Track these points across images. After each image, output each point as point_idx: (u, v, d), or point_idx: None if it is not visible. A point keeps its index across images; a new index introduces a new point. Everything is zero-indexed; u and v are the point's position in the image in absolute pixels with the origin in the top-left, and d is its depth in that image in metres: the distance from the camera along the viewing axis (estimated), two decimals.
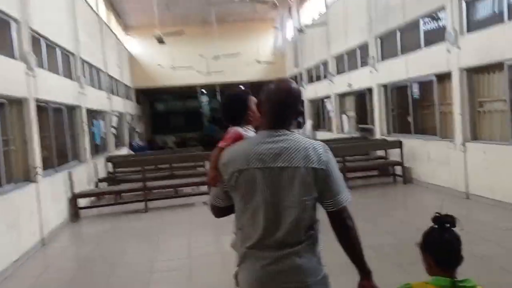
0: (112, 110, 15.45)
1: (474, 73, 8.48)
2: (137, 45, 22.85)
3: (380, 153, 12.34)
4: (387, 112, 12.52)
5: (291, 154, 1.90)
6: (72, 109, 11.01)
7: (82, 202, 9.99)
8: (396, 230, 7.01)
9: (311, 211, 1.96)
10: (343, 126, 16.26)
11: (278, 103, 1.98)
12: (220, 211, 2.16)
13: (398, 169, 11.19)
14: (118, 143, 17.72)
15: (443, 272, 1.83)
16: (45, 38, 9.13)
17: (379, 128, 12.74)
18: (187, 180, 11.11)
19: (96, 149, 13.52)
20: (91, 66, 13.35)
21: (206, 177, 2.13)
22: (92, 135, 13.19)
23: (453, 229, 1.85)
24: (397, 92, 12.07)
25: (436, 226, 1.86)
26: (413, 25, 10.53)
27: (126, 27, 22.34)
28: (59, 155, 9.50)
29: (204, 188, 10.28)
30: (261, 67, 21.74)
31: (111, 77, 16.47)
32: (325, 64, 17.44)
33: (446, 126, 9.65)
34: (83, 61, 12.06)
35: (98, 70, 14.44)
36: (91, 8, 14.40)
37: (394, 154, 11.49)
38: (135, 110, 22.82)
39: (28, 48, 7.74)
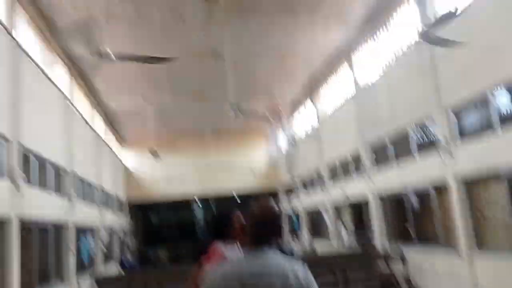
0: (103, 226, 14.98)
1: (472, 184, 8.34)
2: (132, 159, 23.03)
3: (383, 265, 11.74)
4: (387, 223, 12.16)
5: (271, 279, 2.00)
6: (59, 227, 10.59)
7: None
8: None
9: None
10: (342, 238, 15.74)
11: (259, 224, 2.12)
12: None
13: (404, 285, 10.52)
14: (108, 259, 16.93)
15: None
16: (36, 155, 9.05)
17: (380, 240, 12.28)
18: None
19: (83, 266, 12.81)
20: (84, 181, 13.19)
21: None
22: (79, 252, 12.60)
23: None
24: (395, 203, 11.85)
25: None
26: (403, 134, 10.66)
27: (122, 141, 22.70)
28: (40, 277, 8.88)
29: None
30: (255, 177, 21.74)
31: (104, 192, 16.24)
32: (318, 173, 17.45)
33: (448, 235, 9.27)
34: (76, 177, 11.91)
35: (91, 185, 14.26)
36: (88, 124, 14.68)
37: (398, 268, 10.91)
38: (127, 224, 22.24)
39: (15, 166, 7.60)
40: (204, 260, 2.33)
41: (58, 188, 10.68)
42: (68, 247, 10.77)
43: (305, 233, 18.78)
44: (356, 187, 13.58)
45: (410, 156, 10.42)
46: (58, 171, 10.77)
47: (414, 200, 10.54)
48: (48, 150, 9.84)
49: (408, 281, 10.18)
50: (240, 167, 21.18)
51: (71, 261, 10.87)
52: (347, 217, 15.37)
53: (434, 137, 9.39)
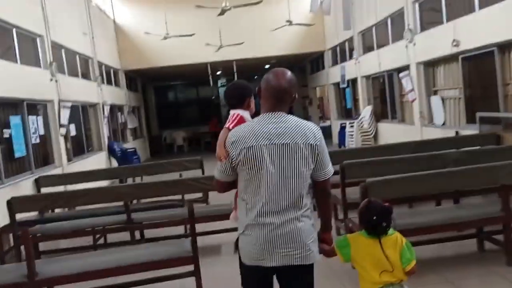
0: (61, 100, 9.70)
1: None
2: (128, 15, 16.95)
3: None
4: None
5: (292, 132, 2.28)
6: None
7: None
8: None
9: (308, 181, 2.33)
10: (433, 115, 10.01)
11: (276, 90, 2.33)
12: (225, 186, 2.48)
13: None
14: (89, 149, 12.08)
15: None
16: None
17: None
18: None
19: (19, 166, 7.86)
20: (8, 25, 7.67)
21: (217, 154, 2.34)
22: (9, 143, 7.51)
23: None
24: None
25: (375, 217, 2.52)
26: None
27: None
28: None
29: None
30: (294, 34, 15.58)
31: (64, 49, 10.75)
32: (396, 18, 11.18)
33: None
34: None
35: (30, 34, 8.76)
36: None
37: None
38: (125, 100, 17.02)
39: None
40: (229, 124, 2.55)
41: None
42: None
43: (366, 111, 13.15)
44: (481, 26, 7.48)
45: None
46: None
47: None
48: None
49: None
50: (273, 20, 14.95)
51: None
52: (449, 81, 9.42)
53: None
